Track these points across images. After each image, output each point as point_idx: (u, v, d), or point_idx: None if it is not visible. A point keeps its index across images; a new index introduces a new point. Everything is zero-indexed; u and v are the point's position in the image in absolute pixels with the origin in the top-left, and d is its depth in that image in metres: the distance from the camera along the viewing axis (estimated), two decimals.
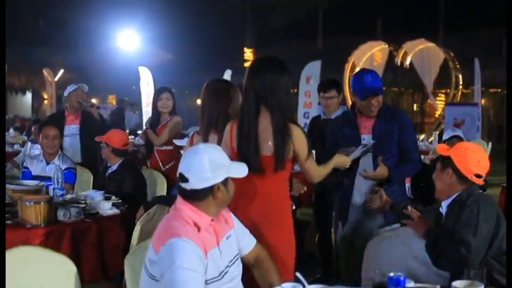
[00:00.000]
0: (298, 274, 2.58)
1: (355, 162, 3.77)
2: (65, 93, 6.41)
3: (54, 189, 4.47)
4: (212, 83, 3.65)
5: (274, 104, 3.10)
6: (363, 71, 4.10)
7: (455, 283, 2.41)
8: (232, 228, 2.70)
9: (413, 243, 3.11)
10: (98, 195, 4.41)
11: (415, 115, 23.11)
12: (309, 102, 11.23)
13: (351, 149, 3.73)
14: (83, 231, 3.96)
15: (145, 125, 6.33)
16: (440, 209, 3.18)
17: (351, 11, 26.30)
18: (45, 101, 22.11)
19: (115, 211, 4.26)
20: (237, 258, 2.67)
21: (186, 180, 2.49)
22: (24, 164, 5.33)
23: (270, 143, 3.09)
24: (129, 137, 7.50)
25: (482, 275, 2.55)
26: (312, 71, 11.54)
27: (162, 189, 5.47)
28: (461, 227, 2.91)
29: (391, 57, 18.27)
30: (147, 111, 12.86)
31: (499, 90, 19.91)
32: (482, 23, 22.86)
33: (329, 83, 5.34)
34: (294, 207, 4.96)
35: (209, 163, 2.48)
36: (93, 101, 16.08)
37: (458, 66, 17.59)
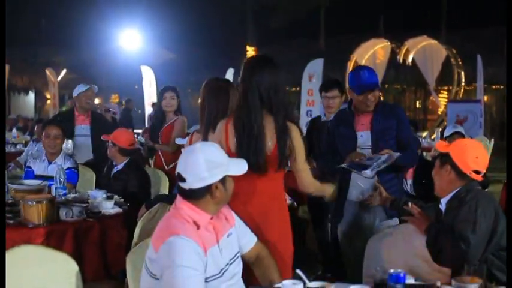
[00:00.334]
0: (298, 271, 2.59)
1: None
2: (74, 94, 6.29)
3: (56, 188, 4.48)
4: (211, 82, 3.64)
5: (276, 103, 3.08)
6: (360, 67, 4.20)
7: (455, 279, 2.42)
8: (233, 226, 2.70)
9: (414, 240, 3.12)
10: (100, 194, 4.42)
11: (418, 112, 23.07)
12: (311, 100, 11.23)
13: (362, 159, 3.68)
14: (85, 230, 3.96)
15: (148, 125, 6.31)
16: (440, 206, 3.18)
17: (352, 9, 26.28)
18: (48, 101, 22.18)
19: (117, 210, 4.26)
20: (238, 256, 2.67)
21: (183, 179, 2.49)
22: (27, 164, 5.35)
23: (270, 143, 3.07)
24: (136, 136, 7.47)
25: (482, 271, 2.55)
26: (315, 69, 11.53)
27: (165, 188, 5.48)
28: (460, 223, 2.92)
29: (393, 54, 18.26)
30: (149, 110, 12.87)
31: (502, 87, 19.83)
32: (484, 21, 22.82)
33: (331, 82, 5.32)
34: (295, 205, 5.00)
35: (206, 162, 2.47)
36: (96, 101, 16.10)
37: (460, 63, 17.57)
